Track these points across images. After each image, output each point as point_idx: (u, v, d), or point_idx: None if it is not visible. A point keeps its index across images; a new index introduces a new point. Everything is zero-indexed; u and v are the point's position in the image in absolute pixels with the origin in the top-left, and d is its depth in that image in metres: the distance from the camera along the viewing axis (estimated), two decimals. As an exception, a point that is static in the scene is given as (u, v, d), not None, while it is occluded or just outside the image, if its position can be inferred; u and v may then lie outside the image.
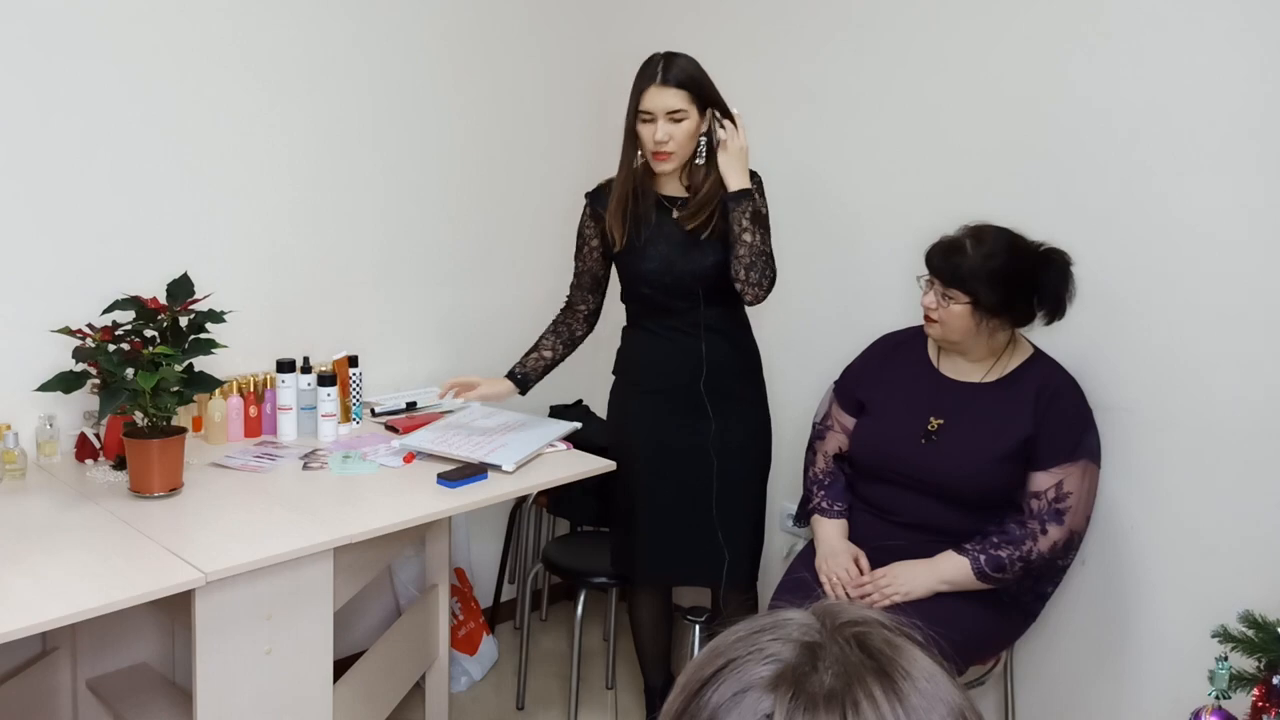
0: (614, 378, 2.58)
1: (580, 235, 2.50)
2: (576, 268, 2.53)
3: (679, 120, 2.27)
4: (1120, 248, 2.30)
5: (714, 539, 2.40)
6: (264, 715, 1.88)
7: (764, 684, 0.61)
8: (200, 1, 2.44)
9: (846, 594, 2.18)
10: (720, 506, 2.40)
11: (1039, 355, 2.23)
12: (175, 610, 1.81)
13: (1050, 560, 2.11)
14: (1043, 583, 2.21)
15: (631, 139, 2.33)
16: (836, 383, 2.44)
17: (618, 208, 2.37)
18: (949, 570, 2.11)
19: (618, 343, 2.59)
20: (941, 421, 2.18)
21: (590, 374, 3.45)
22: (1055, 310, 2.13)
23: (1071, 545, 2.14)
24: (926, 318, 2.18)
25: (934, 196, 2.57)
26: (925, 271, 2.22)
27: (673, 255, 2.36)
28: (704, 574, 2.48)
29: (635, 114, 2.30)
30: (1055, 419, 2.13)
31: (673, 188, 2.39)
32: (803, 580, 2.25)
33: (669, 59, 2.28)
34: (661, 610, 2.62)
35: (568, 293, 2.58)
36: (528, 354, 2.54)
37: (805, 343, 2.84)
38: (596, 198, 2.47)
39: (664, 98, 2.25)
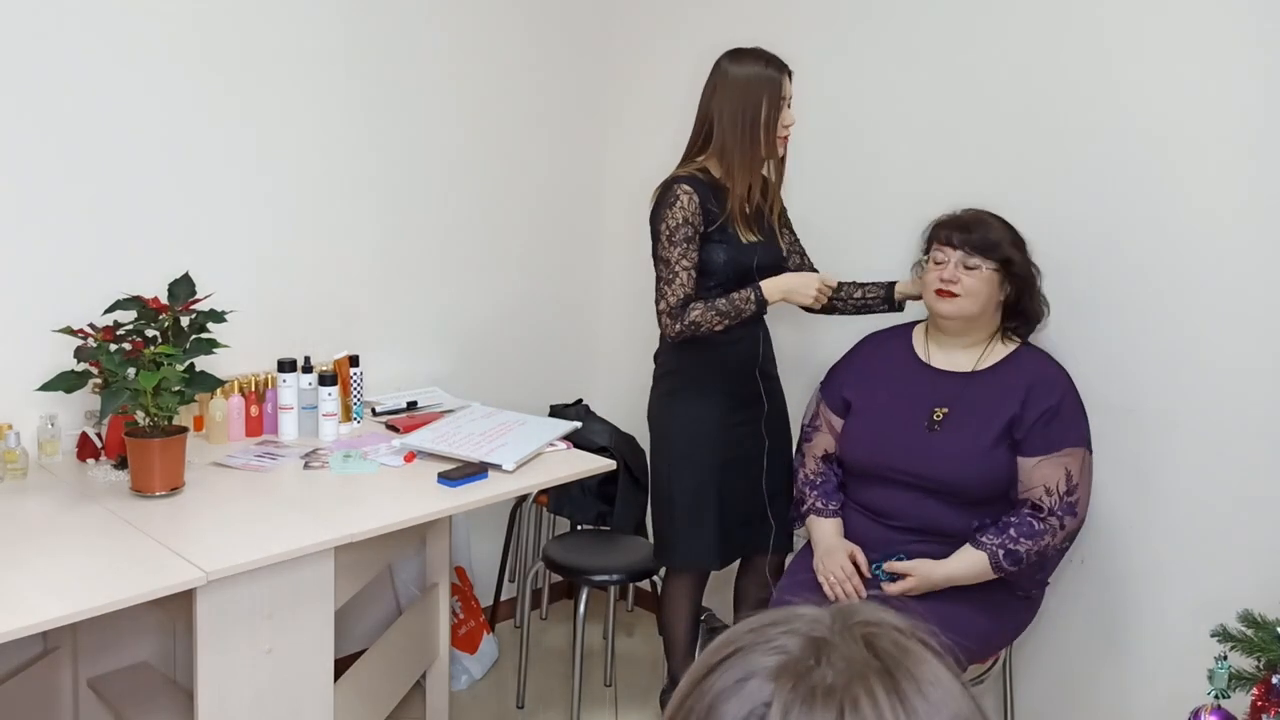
0: (665, 376, 2.53)
1: (688, 224, 2.32)
2: (688, 262, 2.32)
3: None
4: (1122, 248, 2.31)
5: (764, 512, 2.52)
6: (264, 714, 1.89)
7: (767, 673, 0.61)
8: (202, 2, 2.45)
9: (844, 592, 2.18)
10: (769, 481, 2.52)
11: (1027, 345, 2.25)
12: (176, 609, 1.81)
13: (1060, 549, 2.15)
14: (1048, 570, 2.24)
15: (766, 131, 2.33)
16: (823, 384, 2.45)
17: (744, 203, 2.38)
18: (962, 571, 2.12)
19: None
20: (946, 410, 2.19)
21: (590, 374, 3.46)
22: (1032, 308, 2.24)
23: (1076, 534, 2.18)
24: (942, 293, 2.17)
25: (930, 198, 2.57)
26: (925, 252, 2.23)
27: (772, 248, 2.44)
28: (757, 546, 2.58)
29: (776, 102, 2.33)
30: (1061, 406, 2.15)
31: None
32: (805, 581, 2.25)
33: (768, 51, 2.37)
34: (700, 601, 2.65)
35: (684, 292, 2.32)
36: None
37: (793, 345, 2.84)
38: (699, 187, 2.34)
39: (790, 86, 2.37)
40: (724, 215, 2.36)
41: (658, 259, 2.37)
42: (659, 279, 2.36)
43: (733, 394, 2.47)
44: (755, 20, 2.94)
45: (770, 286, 2.35)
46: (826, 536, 2.27)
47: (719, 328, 2.33)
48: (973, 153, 2.54)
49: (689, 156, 2.41)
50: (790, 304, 2.41)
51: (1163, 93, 2.22)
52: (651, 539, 3.02)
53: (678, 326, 2.34)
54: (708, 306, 2.32)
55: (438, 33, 2.91)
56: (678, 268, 2.33)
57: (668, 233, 2.34)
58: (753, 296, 2.33)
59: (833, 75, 2.76)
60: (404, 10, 2.83)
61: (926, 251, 2.25)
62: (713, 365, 2.45)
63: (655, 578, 2.80)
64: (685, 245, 2.33)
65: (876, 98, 2.71)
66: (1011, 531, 2.11)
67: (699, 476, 2.47)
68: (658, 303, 2.36)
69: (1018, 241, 2.19)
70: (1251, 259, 2.13)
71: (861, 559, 2.21)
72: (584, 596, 2.69)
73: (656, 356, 2.57)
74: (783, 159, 2.45)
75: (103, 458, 2.26)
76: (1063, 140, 2.38)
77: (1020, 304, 2.22)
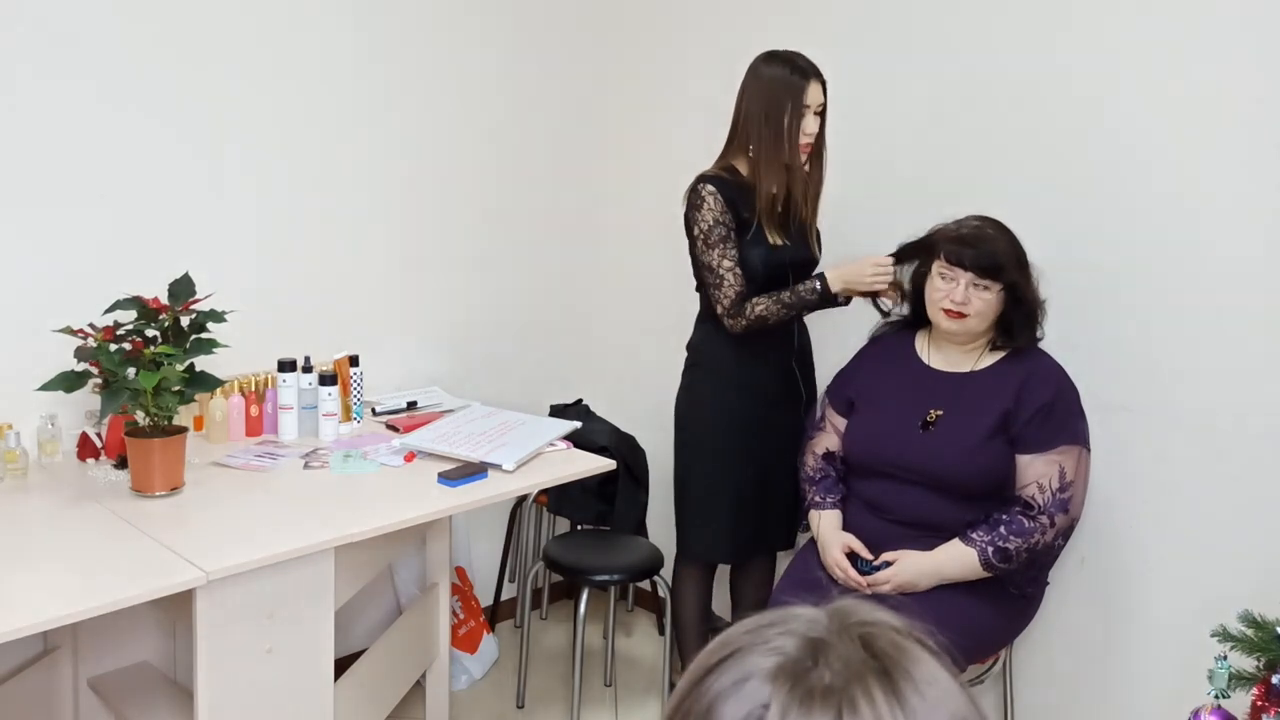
0: (694, 368, 2.55)
1: (720, 224, 2.35)
2: (730, 261, 2.35)
3: (821, 114, 2.36)
4: (1120, 247, 2.31)
5: (782, 510, 2.52)
6: (265, 713, 1.89)
7: (764, 675, 0.61)
8: (201, 3, 2.45)
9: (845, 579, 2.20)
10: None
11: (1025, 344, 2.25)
12: (176, 609, 1.81)
13: (1051, 546, 2.15)
14: (1043, 568, 2.24)
15: (788, 137, 2.32)
16: (829, 385, 2.46)
17: (772, 204, 2.37)
18: (951, 566, 2.12)
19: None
20: (941, 412, 2.20)
21: (590, 374, 3.46)
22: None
23: (1071, 531, 2.17)
24: (951, 313, 2.16)
25: (928, 199, 2.57)
26: (919, 254, 2.23)
27: (802, 246, 2.44)
28: (773, 543, 2.60)
29: (797, 109, 2.31)
30: (1055, 403, 2.15)
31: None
32: (802, 581, 2.26)
33: (803, 56, 2.34)
34: (708, 596, 2.66)
35: (734, 290, 2.35)
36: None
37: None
38: (724, 186, 2.36)
39: (820, 94, 2.34)
40: (753, 214, 2.37)
41: (700, 265, 2.41)
42: (707, 284, 2.41)
43: (762, 386, 2.47)
44: (756, 25, 2.94)
45: (832, 274, 2.36)
46: (824, 530, 2.29)
47: (785, 318, 2.38)
48: (974, 151, 2.54)
49: (724, 154, 2.44)
50: (854, 294, 2.37)
51: (1162, 93, 2.22)
52: (652, 537, 3.03)
53: (742, 322, 2.37)
54: (773, 300, 2.36)
55: (438, 35, 2.91)
56: (721, 270, 2.36)
57: (702, 237, 2.37)
58: (815, 286, 2.35)
59: (834, 75, 2.76)
60: (406, 14, 2.83)
61: (920, 254, 2.24)
62: (741, 357, 2.45)
63: (655, 577, 2.80)
64: (723, 245, 2.36)
65: (880, 97, 2.71)
66: (1002, 529, 2.11)
67: (715, 469, 2.48)
68: (714, 306, 2.41)
69: (1021, 260, 2.16)
70: (1251, 258, 2.13)
71: (858, 547, 2.22)
72: (584, 596, 2.70)
73: (688, 345, 2.58)
74: (815, 170, 2.42)
75: (103, 458, 2.26)
76: (1062, 139, 2.38)
77: (1015, 320, 2.19)
